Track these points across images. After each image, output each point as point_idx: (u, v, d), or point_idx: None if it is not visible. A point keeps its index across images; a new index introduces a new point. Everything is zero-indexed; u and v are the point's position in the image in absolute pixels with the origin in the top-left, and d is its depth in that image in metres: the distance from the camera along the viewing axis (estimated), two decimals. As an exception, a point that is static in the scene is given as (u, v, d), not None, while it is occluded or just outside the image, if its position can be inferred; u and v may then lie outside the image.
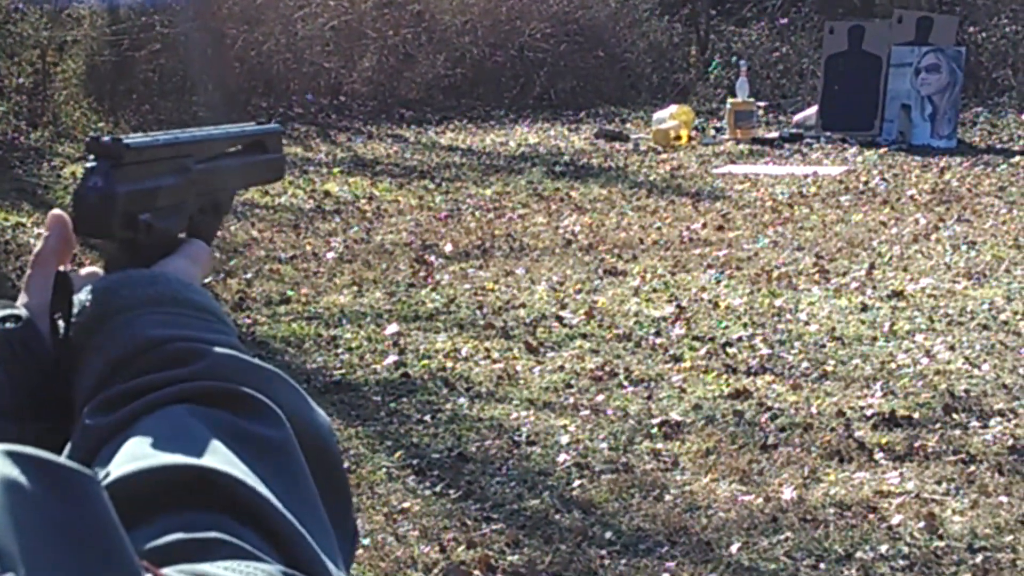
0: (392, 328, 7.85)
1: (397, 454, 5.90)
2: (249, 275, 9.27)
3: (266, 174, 1.51)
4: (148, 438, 1.00)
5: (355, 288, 8.91)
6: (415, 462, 5.81)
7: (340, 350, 7.48)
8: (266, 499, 0.95)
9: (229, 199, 1.42)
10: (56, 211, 1.24)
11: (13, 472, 0.72)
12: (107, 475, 0.95)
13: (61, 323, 1.14)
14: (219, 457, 0.97)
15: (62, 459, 0.76)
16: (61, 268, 1.18)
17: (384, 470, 5.73)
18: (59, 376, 1.13)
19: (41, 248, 1.22)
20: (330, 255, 9.94)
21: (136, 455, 0.98)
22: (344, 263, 9.69)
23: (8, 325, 1.15)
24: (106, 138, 1.22)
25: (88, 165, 1.23)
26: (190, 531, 0.90)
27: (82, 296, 1.14)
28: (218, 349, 1.10)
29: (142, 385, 1.06)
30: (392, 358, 7.28)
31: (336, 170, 14.08)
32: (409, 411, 6.46)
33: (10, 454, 0.73)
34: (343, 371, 7.10)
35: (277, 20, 19.16)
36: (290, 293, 8.77)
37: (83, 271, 1.24)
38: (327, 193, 12.62)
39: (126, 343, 1.10)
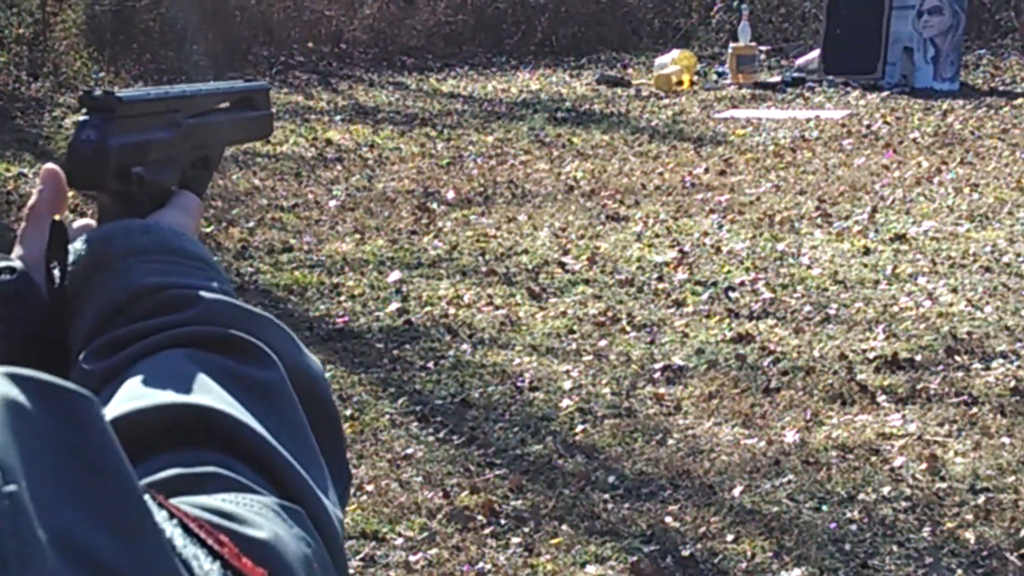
0: (394, 275, 7.85)
1: (400, 401, 5.92)
2: (251, 224, 9.27)
3: (255, 130, 1.53)
4: (144, 380, 1.02)
5: (357, 236, 8.90)
6: (418, 409, 5.83)
7: (343, 298, 7.49)
8: (261, 435, 0.97)
9: (219, 154, 1.44)
10: (49, 164, 1.25)
11: (13, 391, 0.73)
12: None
13: (57, 272, 1.15)
14: (214, 396, 0.99)
15: (64, 382, 0.77)
16: (56, 218, 1.19)
17: (388, 417, 5.74)
18: (55, 325, 1.14)
19: (35, 200, 1.23)
20: (332, 203, 9.93)
21: (133, 395, 1.00)
22: (346, 211, 9.69)
23: (3, 277, 1.16)
24: (98, 92, 1.23)
25: (81, 119, 1.24)
26: (188, 466, 0.92)
27: (77, 245, 1.15)
28: (210, 295, 1.11)
29: (137, 331, 1.08)
30: (395, 305, 7.28)
31: (337, 118, 14.05)
32: (412, 358, 6.47)
33: (11, 376, 0.74)
34: (346, 319, 7.10)
35: (277, -32, 19.11)
36: (292, 241, 8.77)
37: (77, 223, 1.25)
38: (328, 141, 12.61)
39: (121, 291, 1.12)
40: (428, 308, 7.24)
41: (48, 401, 0.75)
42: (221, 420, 0.97)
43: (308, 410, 1.07)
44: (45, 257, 1.16)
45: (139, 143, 1.27)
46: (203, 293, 1.12)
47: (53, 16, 16.35)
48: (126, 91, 1.27)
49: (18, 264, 1.18)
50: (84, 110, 1.24)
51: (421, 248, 8.55)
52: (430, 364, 6.38)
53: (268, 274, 8.00)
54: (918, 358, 6.20)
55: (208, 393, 1.00)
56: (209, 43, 17.69)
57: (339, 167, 11.44)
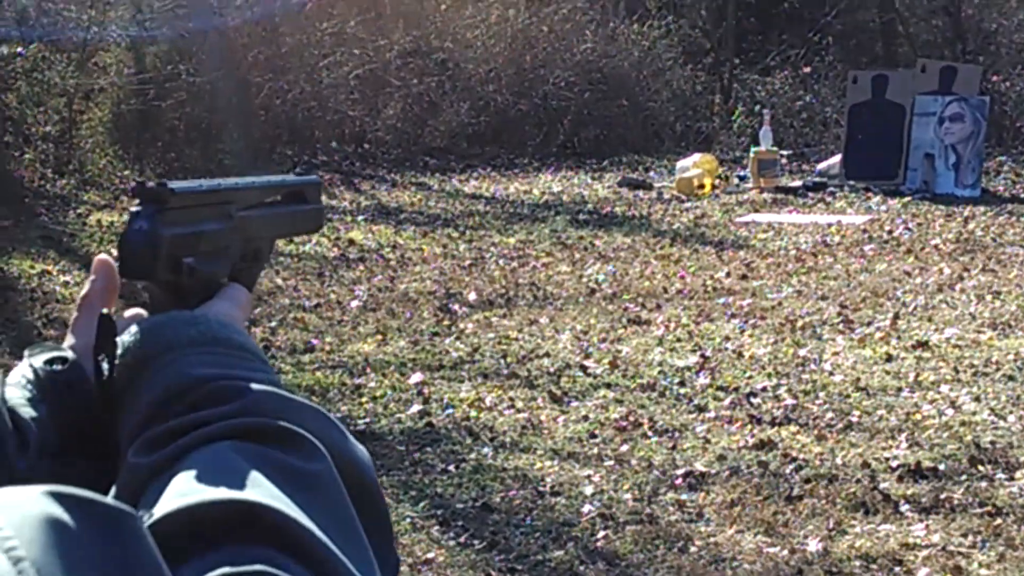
0: (416, 377, 7.85)
1: (421, 504, 5.90)
2: (273, 323, 9.29)
3: (305, 224, 1.54)
4: (193, 474, 1.02)
5: (379, 337, 8.92)
6: (439, 512, 5.81)
7: (364, 399, 7.49)
8: (309, 530, 0.97)
9: (269, 247, 1.45)
10: (102, 255, 1.27)
11: (57, 511, 0.74)
12: (152, 514, 0.98)
13: (105, 364, 1.16)
14: (262, 490, 1.00)
15: (104, 497, 0.78)
16: (105, 311, 1.21)
17: (408, 520, 5.73)
18: (104, 416, 1.16)
19: (87, 291, 1.25)
20: (354, 303, 9.96)
21: (182, 491, 1.01)
22: (368, 312, 9.71)
23: (55, 367, 1.19)
24: (151, 183, 1.25)
25: (133, 209, 1.25)
26: (236, 564, 0.93)
27: (126, 337, 1.17)
28: (258, 386, 1.13)
29: (185, 423, 1.09)
30: (416, 407, 7.28)
31: (360, 218, 14.11)
32: (433, 461, 6.46)
33: (53, 494, 0.75)
34: (367, 420, 7.10)
35: (302, 69, 19.27)
36: (314, 341, 8.79)
37: (127, 313, 1.27)
38: (351, 241, 12.66)
39: (169, 382, 1.13)
40: (449, 410, 7.24)
41: (90, 518, 0.75)
42: (269, 515, 0.97)
43: (356, 499, 1.07)
44: (94, 349, 1.17)
45: (190, 234, 1.28)
46: (251, 384, 1.13)
47: (79, 114, 16.49)
48: (178, 182, 1.28)
49: (70, 355, 1.20)
50: (137, 201, 1.25)
51: (443, 350, 8.56)
52: (451, 467, 6.36)
53: (290, 374, 8.00)
54: (941, 467, 6.17)
55: (256, 487, 1.00)
56: (234, 142, 17.82)
57: (361, 267, 11.48)
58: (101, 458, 1.16)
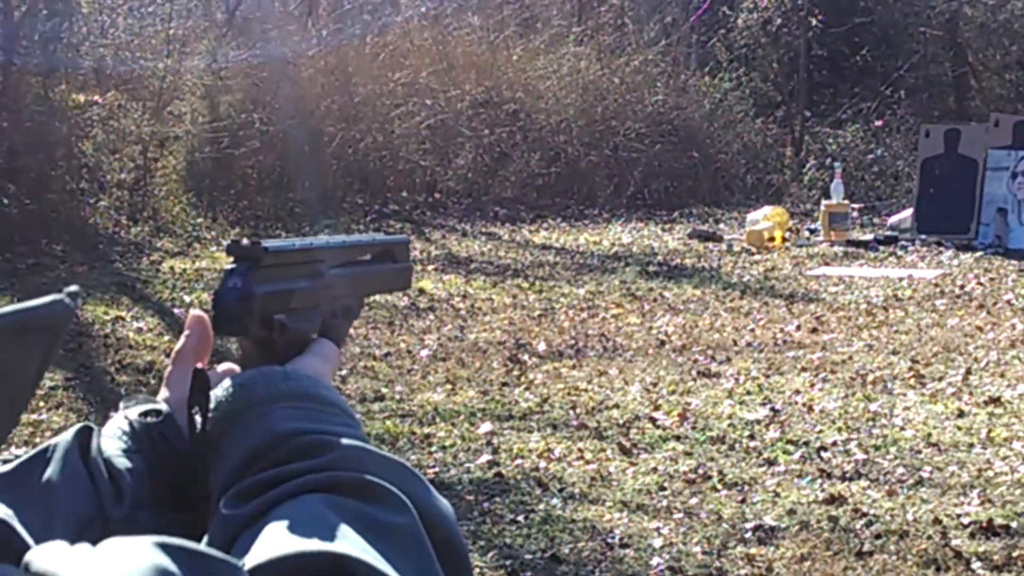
0: (485, 427, 7.87)
1: (490, 554, 5.90)
2: (343, 372, 9.33)
3: (394, 282, 1.58)
4: (284, 526, 1.06)
5: (449, 386, 8.94)
6: (508, 563, 5.81)
7: (434, 448, 7.51)
8: None
9: (359, 304, 1.49)
10: (196, 311, 1.31)
11: (165, 561, 0.76)
12: (245, 563, 1.01)
13: (198, 417, 1.20)
14: (351, 542, 1.03)
15: (209, 549, 0.80)
16: (199, 365, 1.24)
17: (477, 571, 5.73)
18: (197, 468, 1.19)
19: (182, 345, 1.30)
20: (424, 352, 9.99)
21: (274, 542, 1.04)
22: (438, 361, 9.73)
23: (150, 419, 1.22)
24: (245, 241, 1.28)
25: (227, 267, 1.29)
26: None
27: (219, 392, 1.20)
28: (346, 441, 1.16)
29: (276, 476, 1.13)
30: (485, 457, 7.29)
31: (430, 267, 14.17)
32: (502, 511, 6.47)
33: (163, 545, 0.78)
34: (436, 469, 7.11)
35: (374, 118, 19.39)
36: (384, 390, 8.82)
37: (220, 368, 1.31)
38: (421, 290, 12.70)
39: (260, 436, 1.16)
40: (519, 461, 7.24)
41: (197, 570, 0.78)
42: (357, 567, 1.00)
43: (440, 552, 1.10)
44: (188, 402, 1.21)
45: (282, 292, 1.31)
46: (339, 439, 1.16)
47: (154, 162, 16.65)
48: (271, 241, 1.32)
49: (164, 407, 1.24)
50: (231, 259, 1.29)
51: (512, 400, 8.57)
52: (520, 518, 6.36)
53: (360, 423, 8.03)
54: (1014, 525, 6.12)
55: (345, 539, 1.03)
56: (306, 191, 17.93)
57: (431, 317, 11.52)
58: (194, 509, 1.19)
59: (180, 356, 1.30)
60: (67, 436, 1.21)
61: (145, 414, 1.24)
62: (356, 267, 1.48)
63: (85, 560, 0.80)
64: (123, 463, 1.20)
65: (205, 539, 1.11)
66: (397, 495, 1.11)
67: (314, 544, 1.02)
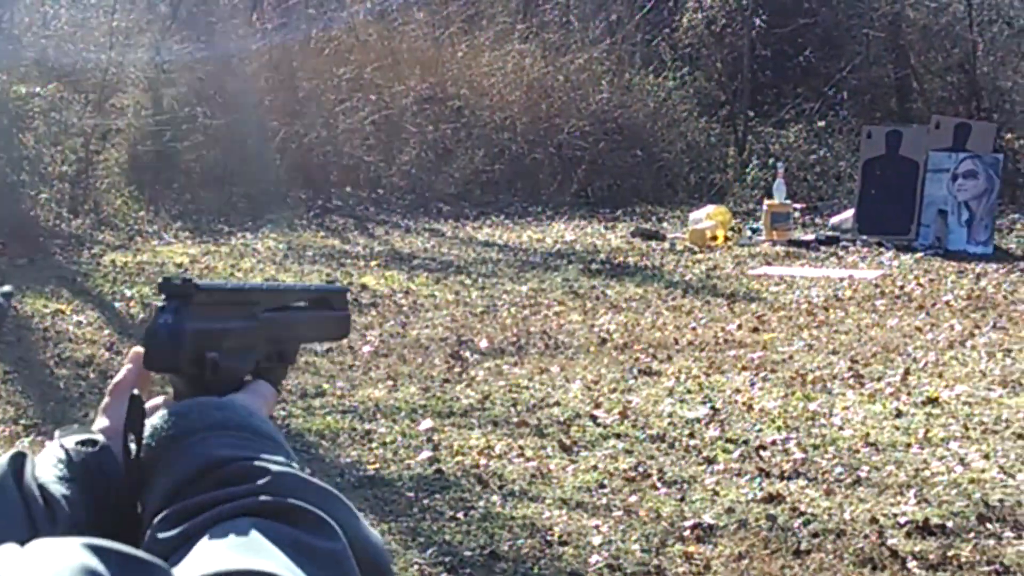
0: (426, 423, 7.87)
1: (429, 551, 5.91)
2: (285, 367, 9.29)
3: (331, 330, 1.59)
4: (213, 546, 1.08)
5: (390, 382, 8.94)
6: (447, 560, 5.81)
7: (374, 445, 7.50)
8: None
9: (295, 350, 1.49)
10: (137, 347, 1.31)
11: (92, 562, 0.77)
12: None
13: (133, 445, 1.21)
14: (277, 563, 1.05)
15: (138, 552, 0.81)
16: (135, 392, 1.26)
17: (416, 567, 5.73)
18: (131, 493, 1.20)
19: (121, 378, 1.32)
20: (366, 349, 9.98)
21: (202, 561, 1.05)
22: (379, 357, 9.73)
23: (87, 449, 1.24)
24: (177, 279, 1.29)
25: (159, 303, 1.30)
26: None
27: (155, 420, 1.22)
28: (277, 468, 1.17)
29: (207, 501, 1.14)
30: (426, 454, 7.29)
31: (373, 263, 14.15)
32: (442, 508, 6.47)
33: (91, 546, 0.78)
34: (377, 466, 7.11)
35: (318, 114, 19.35)
36: (325, 386, 8.81)
37: (154, 400, 1.32)
38: (364, 286, 12.68)
39: (193, 463, 1.18)
40: (459, 458, 7.25)
41: (125, 571, 0.79)
42: None
43: None
44: (124, 429, 1.22)
45: (214, 330, 1.32)
46: (270, 466, 1.18)
47: (96, 155, 16.55)
48: (204, 280, 1.32)
49: (100, 438, 1.26)
50: (163, 295, 1.30)
51: (453, 397, 8.57)
52: (460, 515, 6.37)
53: (300, 418, 8.02)
54: (949, 524, 6.17)
55: (272, 560, 1.05)
56: (248, 185, 17.87)
57: (373, 313, 11.50)
58: (128, 535, 1.20)
59: (118, 388, 1.32)
60: (0, 462, 1.22)
61: (82, 443, 1.25)
62: (292, 312, 1.48)
63: (13, 559, 0.80)
64: (58, 490, 1.22)
65: None
66: (327, 521, 1.12)
67: (241, 562, 1.03)
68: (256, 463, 1.18)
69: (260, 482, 1.15)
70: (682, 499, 6.58)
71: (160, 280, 1.32)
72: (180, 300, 1.29)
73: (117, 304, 11.29)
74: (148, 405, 1.30)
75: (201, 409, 1.23)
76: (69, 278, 12.57)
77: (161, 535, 1.12)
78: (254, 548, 1.06)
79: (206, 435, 1.20)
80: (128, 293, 11.61)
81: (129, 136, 17.26)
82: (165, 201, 16.86)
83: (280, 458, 1.21)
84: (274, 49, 19.58)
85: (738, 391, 8.73)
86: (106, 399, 1.32)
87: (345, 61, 20.11)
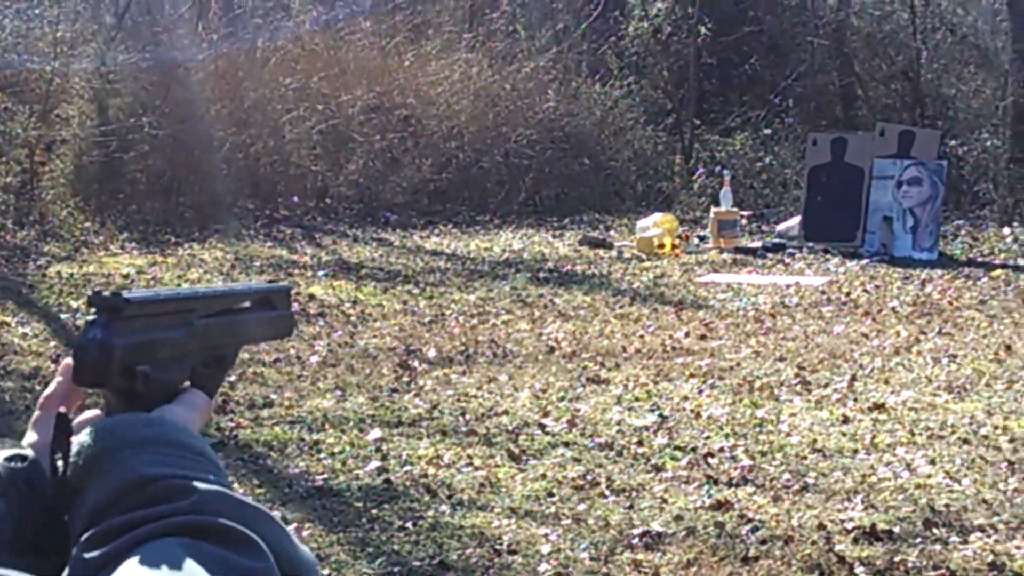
0: (375, 433, 7.85)
1: (378, 561, 5.90)
2: (232, 378, 9.27)
3: (272, 330, 1.56)
4: (137, 567, 1.07)
5: (338, 392, 8.92)
6: (396, 570, 5.81)
7: (322, 455, 7.48)
8: None
9: (234, 354, 1.47)
10: (68, 359, 1.30)
11: None
12: None
13: (60, 462, 1.20)
14: None
15: None
16: (62, 410, 1.24)
17: (365, 577, 5.72)
18: (58, 511, 1.19)
19: (51, 391, 1.30)
20: (314, 359, 9.95)
21: None
22: (328, 367, 9.71)
23: (15, 464, 1.22)
24: (107, 292, 1.27)
25: (89, 318, 1.28)
26: None
27: (82, 437, 1.20)
28: (205, 486, 1.16)
29: (134, 519, 1.13)
30: (374, 464, 7.27)
31: (321, 273, 14.12)
32: (391, 518, 6.46)
33: None
34: (325, 476, 7.09)
35: (265, 123, 19.30)
36: (273, 396, 8.78)
37: (85, 414, 1.30)
38: (312, 296, 12.66)
39: (120, 480, 1.17)
40: (408, 467, 7.23)
41: None
42: None
43: None
44: (51, 447, 1.21)
45: (146, 342, 1.30)
46: (199, 484, 1.17)
47: (41, 166, 16.47)
48: (134, 292, 1.31)
49: (29, 452, 1.24)
50: (93, 310, 1.28)
51: (402, 406, 8.56)
52: (408, 524, 6.36)
53: (248, 429, 7.99)
54: (896, 530, 6.20)
55: None
56: (195, 195, 17.81)
57: (321, 322, 11.48)
58: (56, 552, 1.19)
59: (47, 402, 1.30)
60: None
61: (10, 459, 1.24)
62: (230, 316, 1.46)
63: None
64: None
65: None
66: (255, 540, 1.12)
67: None
68: (183, 481, 1.17)
69: (187, 501, 1.14)
70: (630, 507, 6.59)
71: (90, 294, 1.30)
72: (110, 314, 1.27)
73: (63, 316, 11.23)
74: (78, 420, 1.29)
75: (129, 425, 1.22)
76: (14, 290, 12.49)
77: (87, 555, 1.11)
78: (179, 569, 1.06)
79: (134, 452, 1.19)
80: (74, 305, 11.54)
81: (74, 147, 17.17)
82: (111, 212, 16.79)
83: (209, 475, 1.20)
84: (220, 59, 19.52)
85: (686, 398, 8.75)
86: (36, 412, 1.30)
87: (292, 71, 20.07)
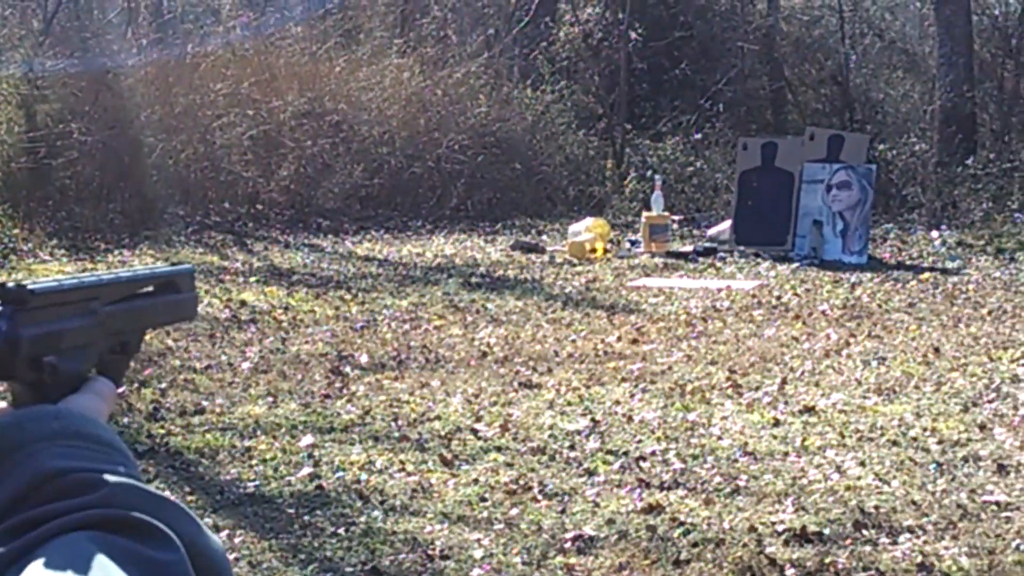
0: (307, 439, 7.84)
1: (311, 567, 5.89)
2: (163, 385, 9.23)
3: (177, 314, 1.55)
4: (46, 563, 1.06)
5: (270, 399, 8.89)
6: (328, 576, 5.80)
7: (254, 462, 7.46)
8: None
9: (139, 339, 1.47)
10: None
11: None
12: None
13: None
14: None
15: None
16: None
17: (297, 584, 5.71)
18: None
19: None
20: (245, 365, 9.92)
21: None
22: (259, 373, 9.67)
23: None
24: (10, 284, 1.26)
25: None
26: None
27: None
28: (115, 479, 1.16)
29: (42, 514, 1.12)
30: (306, 470, 7.26)
31: (252, 279, 14.07)
32: (323, 524, 6.45)
33: None
34: (257, 483, 7.07)
35: (195, 129, 19.21)
36: (205, 403, 8.74)
37: None
38: (243, 302, 12.61)
39: (28, 475, 1.16)
40: (340, 473, 7.22)
41: None
42: None
43: None
44: None
45: (52, 333, 1.30)
46: (108, 477, 1.16)
47: (-32, 172, 16.34)
48: (38, 282, 1.30)
49: None
50: None
51: (334, 412, 8.54)
52: (341, 530, 6.35)
53: (180, 436, 7.96)
54: (826, 532, 6.24)
55: (108, 574, 1.04)
56: (125, 201, 17.71)
57: (253, 329, 11.44)
58: None
59: None
60: None
61: None
62: (134, 301, 1.46)
63: None
64: None
65: None
66: (165, 532, 1.12)
67: None
68: (93, 474, 1.16)
69: (96, 494, 1.14)
70: (563, 511, 6.61)
71: None
72: (15, 305, 1.26)
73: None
74: None
75: (37, 419, 1.21)
76: (-58, 297, 12.37)
77: None
78: (88, 563, 1.05)
79: (43, 446, 1.18)
80: None
81: (2, 153, 17.04)
82: (40, 219, 16.66)
83: (119, 467, 1.19)
84: (150, 64, 19.42)
85: (618, 403, 8.78)
86: None
87: (222, 76, 19.98)
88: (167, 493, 1.18)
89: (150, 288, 1.49)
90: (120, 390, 1.40)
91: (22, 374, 1.28)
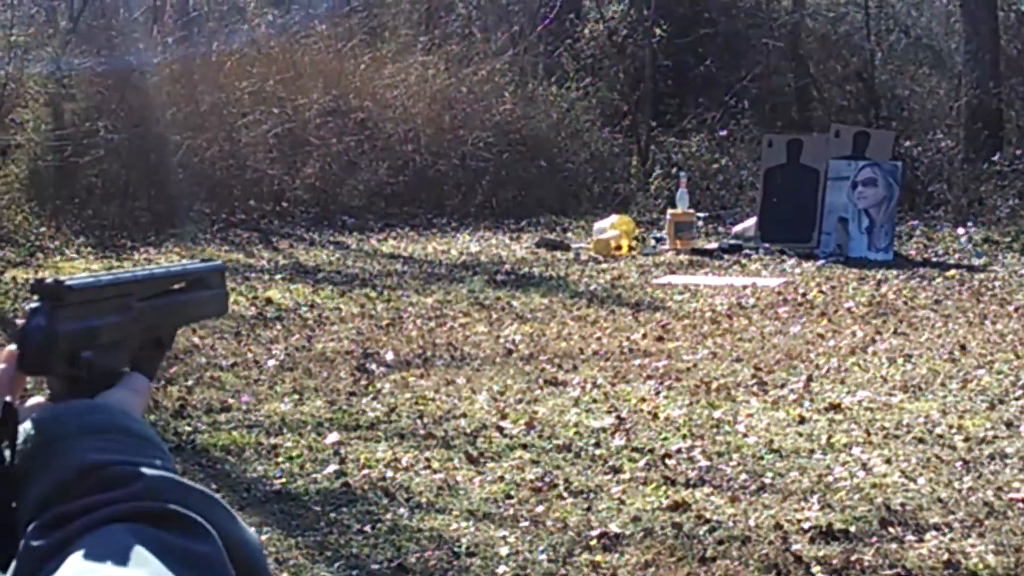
0: (333, 437, 7.85)
1: (337, 565, 5.89)
2: (190, 382, 9.26)
3: (208, 310, 1.57)
4: (85, 555, 1.07)
5: (296, 396, 8.90)
6: (355, 573, 5.80)
7: (280, 459, 7.47)
8: None
9: (171, 335, 1.49)
10: (12, 346, 1.30)
11: None
12: None
13: (7, 452, 1.20)
14: (151, 569, 1.06)
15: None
16: (8, 399, 1.24)
17: (323, 581, 5.72)
18: (6, 501, 1.19)
19: None
20: (271, 363, 9.94)
21: (74, 571, 1.05)
22: (285, 371, 9.69)
23: None
24: (49, 280, 1.28)
25: (32, 306, 1.29)
26: None
27: (28, 426, 1.20)
28: (152, 472, 1.17)
29: (81, 507, 1.13)
30: (332, 467, 7.27)
31: (278, 277, 14.09)
32: (349, 521, 6.46)
33: None
34: (283, 480, 7.08)
35: (221, 127, 19.25)
36: (231, 401, 8.76)
37: (30, 401, 1.30)
38: (268, 300, 12.64)
39: (67, 468, 1.17)
40: (366, 471, 7.23)
41: None
42: None
43: None
44: None
45: (88, 328, 1.31)
46: (145, 470, 1.17)
47: (-5, 170, 16.39)
48: (76, 278, 1.31)
49: None
50: (35, 297, 1.29)
51: (359, 410, 8.55)
52: (367, 528, 6.36)
53: (206, 434, 7.98)
54: (852, 529, 6.23)
55: (146, 566, 1.05)
56: (151, 199, 17.76)
57: (279, 326, 11.46)
58: (5, 542, 1.19)
59: None
60: None
61: None
62: (167, 297, 1.47)
63: None
64: None
65: (10, 571, 1.12)
66: (202, 524, 1.13)
67: (113, 571, 1.04)
68: (130, 467, 1.17)
69: (134, 487, 1.15)
70: (588, 508, 6.61)
71: (32, 281, 1.31)
72: (52, 301, 1.28)
73: (19, 321, 11.17)
74: (29, 403, 1.29)
75: (75, 413, 1.22)
76: (-31, 295, 12.44)
77: (35, 543, 1.12)
78: (126, 555, 1.06)
79: (80, 440, 1.19)
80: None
81: (29, 151, 17.10)
82: (66, 217, 16.72)
83: (155, 460, 1.20)
84: (176, 63, 19.47)
85: (643, 400, 8.77)
86: None
87: (247, 74, 20.03)
88: (202, 486, 1.19)
89: (182, 284, 1.51)
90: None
91: (59, 369, 1.29)
